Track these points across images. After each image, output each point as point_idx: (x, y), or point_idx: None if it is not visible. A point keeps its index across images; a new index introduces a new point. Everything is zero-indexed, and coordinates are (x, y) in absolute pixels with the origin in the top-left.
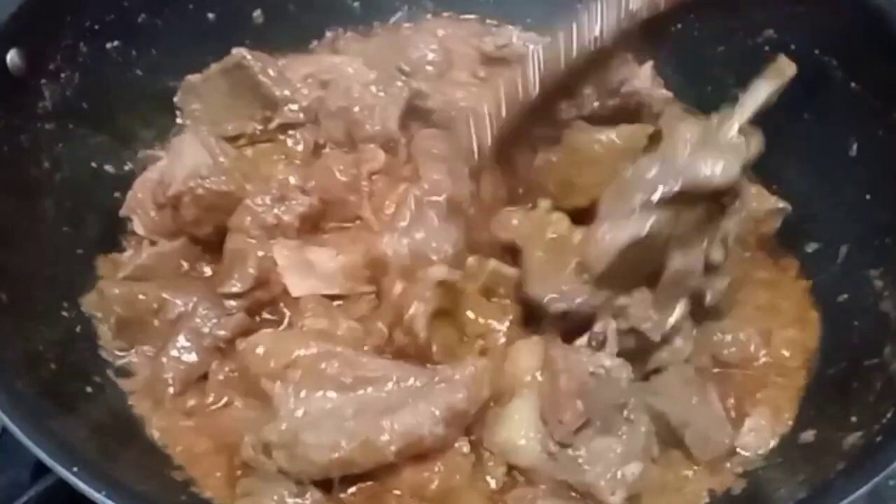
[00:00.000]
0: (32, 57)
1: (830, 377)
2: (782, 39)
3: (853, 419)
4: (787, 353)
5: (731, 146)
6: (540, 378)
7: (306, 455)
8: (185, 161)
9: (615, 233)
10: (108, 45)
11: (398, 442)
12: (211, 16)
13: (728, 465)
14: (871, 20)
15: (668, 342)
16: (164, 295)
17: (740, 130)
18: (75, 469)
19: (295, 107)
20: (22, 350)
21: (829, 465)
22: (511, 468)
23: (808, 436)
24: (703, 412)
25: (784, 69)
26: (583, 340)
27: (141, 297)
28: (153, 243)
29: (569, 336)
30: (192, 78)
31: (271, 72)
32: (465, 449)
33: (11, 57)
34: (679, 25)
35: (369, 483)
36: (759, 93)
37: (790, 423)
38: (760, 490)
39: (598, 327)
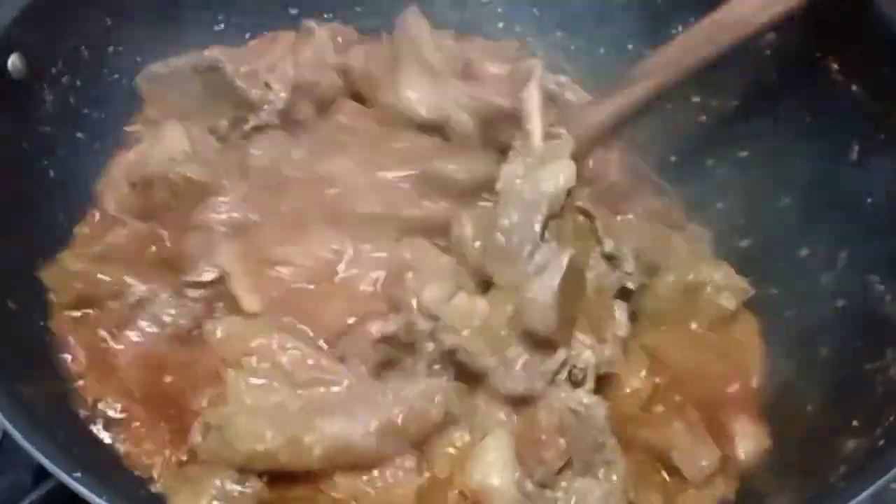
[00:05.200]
0: (34, 61)
1: (831, 381)
2: (783, 42)
3: (854, 423)
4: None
5: (550, 151)
6: (515, 414)
7: (232, 441)
8: (164, 145)
9: (543, 289)
10: (111, 50)
11: (324, 443)
12: (217, 27)
13: (722, 478)
14: (871, 23)
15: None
16: (127, 279)
17: (546, 136)
18: (76, 474)
19: (270, 108)
20: (23, 353)
21: (831, 469)
22: None
23: (809, 440)
24: (685, 433)
25: (529, 70)
26: (562, 375)
27: (103, 277)
28: (122, 223)
29: None
30: (156, 68)
31: (243, 71)
32: (409, 464)
33: (13, 61)
34: (679, 28)
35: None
36: (527, 98)
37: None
38: (761, 497)
39: (580, 363)
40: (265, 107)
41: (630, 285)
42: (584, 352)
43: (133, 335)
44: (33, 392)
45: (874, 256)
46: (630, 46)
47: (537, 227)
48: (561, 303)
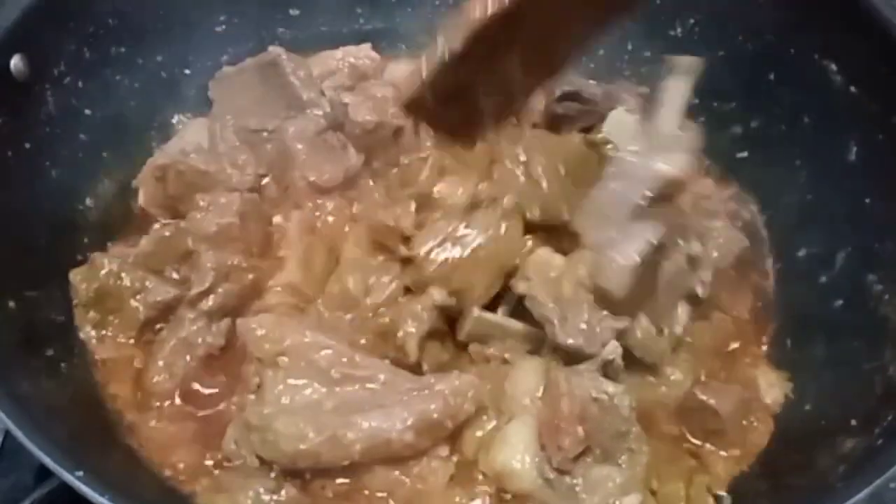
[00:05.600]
0: (36, 62)
1: (829, 381)
2: (782, 44)
3: (853, 423)
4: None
5: (676, 141)
6: (540, 401)
7: (276, 442)
8: (184, 139)
9: (626, 253)
10: (113, 51)
11: (363, 441)
12: (218, 28)
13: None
14: (870, 24)
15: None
16: (148, 283)
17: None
18: (79, 473)
19: (319, 112)
20: (26, 355)
21: (830, 468)
22: (502, 492)
23: (808, 440)
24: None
25: (691, 65)
26: (587, 364)
27: (127, 277)
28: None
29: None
30: (227, 70)
31: (302, 73)
32: (442, 452)
33: (15, 62)
34: (679, 29)
35: (344, 480)
36: (678, 89)
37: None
38: (757, 498)
39: (610, 353)
40: (314, 110)
41: (700, 292)
42: (637, 331)
43: (168, 370)
44: (35, 392)
45: (872, 257)
46: (630, 46)
47: (638, 201)
48: (638, 274)
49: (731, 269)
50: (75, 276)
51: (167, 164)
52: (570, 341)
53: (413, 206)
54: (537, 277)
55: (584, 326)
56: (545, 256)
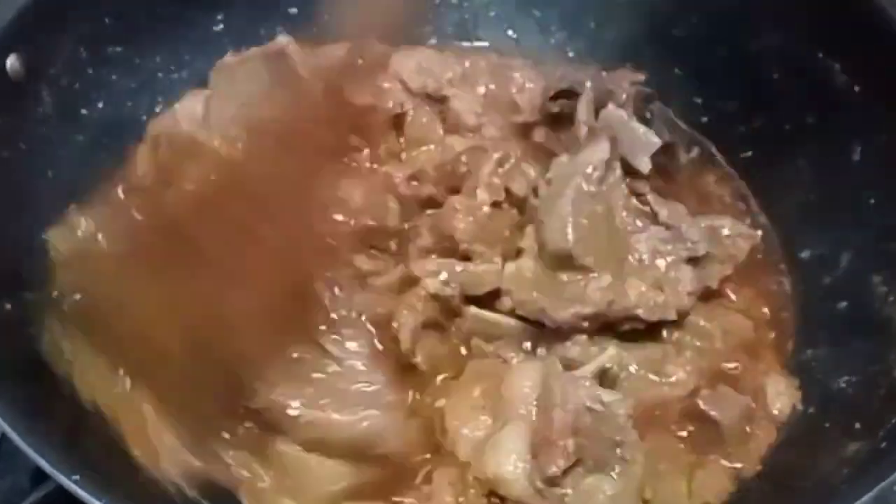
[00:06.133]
0: (32, 62)
1: (833, 384)
2: (785, 43)
3: (857, 426)
4: None
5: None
6: (535, 408)
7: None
8: (179, 110)
9: (558, 204)
10: (109, 50)
11: None
12: (216, 27)
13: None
14: (874, 23)
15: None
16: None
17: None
18: (75, 477)
19: None
20: (22, 357)
21: (834, 471)
22: (493, 496)
23: (811, 443)
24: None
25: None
26: (584, 371)
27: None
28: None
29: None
30: (230, 59)
31: (309, 65)
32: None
33: (11, 62)
34: (681, 28)
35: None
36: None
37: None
38: (760, 500)
39: (606, 361)
40: None
41: (699, 252)
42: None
43: None
44: (33, 393)
45: (877, 258)
46: (632, 46)
47: (572, 187)
48: (584, 226)
49: (747, 269)
50: (53, 235)
51: (160, 132)
52: (564, 318)
53: (393, 202)
54: (516, 286)
55: (569, 297)
56: (516, 266)
